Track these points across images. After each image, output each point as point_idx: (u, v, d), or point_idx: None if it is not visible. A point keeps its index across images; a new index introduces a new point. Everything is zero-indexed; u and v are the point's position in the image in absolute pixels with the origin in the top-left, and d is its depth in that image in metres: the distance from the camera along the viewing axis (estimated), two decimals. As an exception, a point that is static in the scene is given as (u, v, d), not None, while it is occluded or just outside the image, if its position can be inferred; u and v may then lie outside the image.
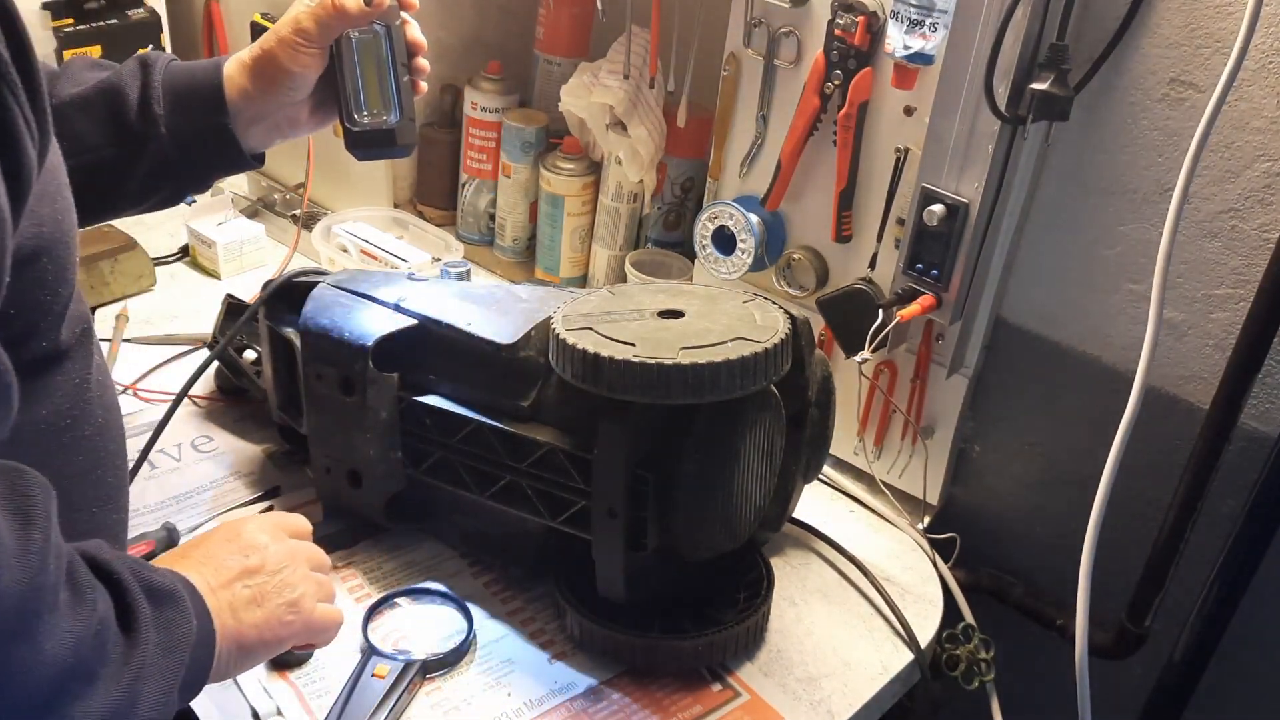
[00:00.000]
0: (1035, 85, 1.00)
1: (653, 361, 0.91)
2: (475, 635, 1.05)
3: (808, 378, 1.08)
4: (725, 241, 1.28)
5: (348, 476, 1.11)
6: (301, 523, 0.90)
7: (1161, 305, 1.00)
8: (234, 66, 0.98)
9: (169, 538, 1.10)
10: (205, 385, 1.34)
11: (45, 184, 0.68)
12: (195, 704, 0.95)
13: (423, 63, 1.05)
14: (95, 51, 1.60)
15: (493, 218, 1.64)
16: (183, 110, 0.95)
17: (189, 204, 1.76)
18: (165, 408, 1.16)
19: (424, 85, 1.06)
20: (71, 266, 0.73)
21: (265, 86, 0.97)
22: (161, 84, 0.95)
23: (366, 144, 1.03)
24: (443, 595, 1.08)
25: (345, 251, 1.55)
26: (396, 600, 1.08)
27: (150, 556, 1.06)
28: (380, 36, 1.00)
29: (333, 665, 1.00)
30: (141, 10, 1.64)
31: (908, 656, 1.09)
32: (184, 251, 1.64)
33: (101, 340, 1.12)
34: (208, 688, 0.97)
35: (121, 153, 0.94)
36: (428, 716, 0.97)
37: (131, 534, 1.08)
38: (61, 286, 0.72)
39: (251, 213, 1.72)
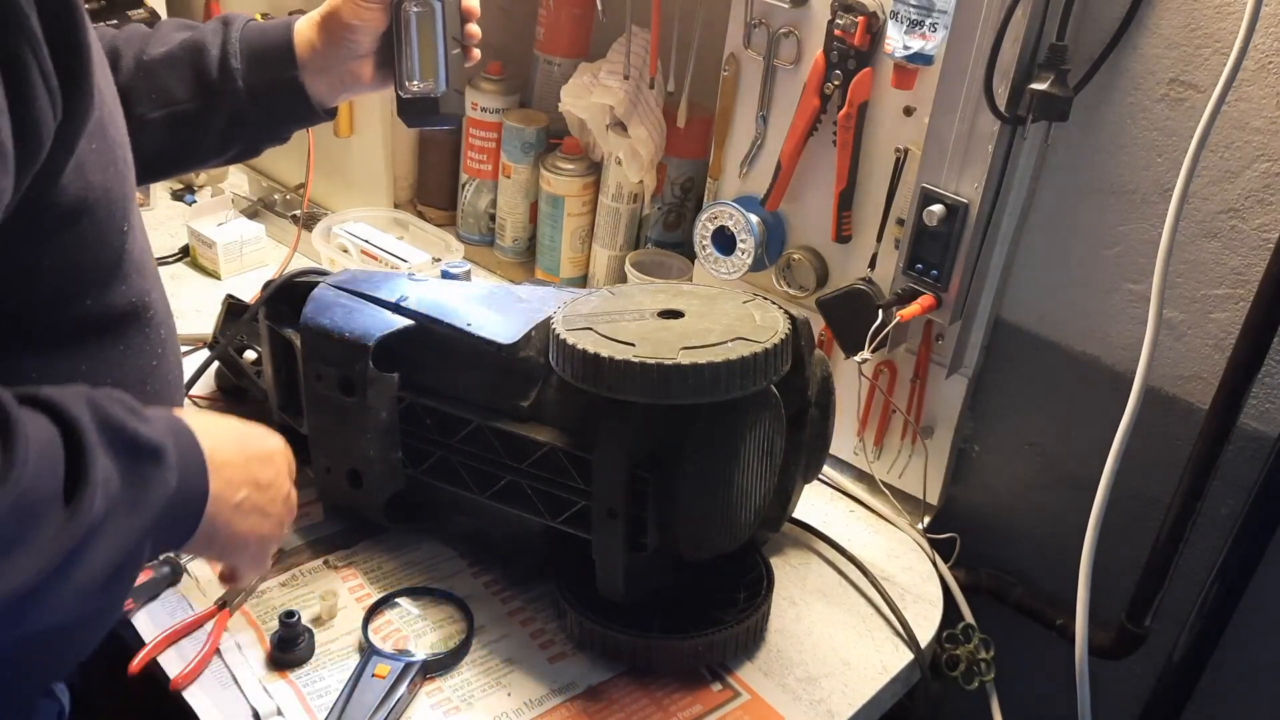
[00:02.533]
0: (1035, 85, 1.00)
1: (653, 361, 0.91)
2: (475, 635, 1.05)
3: (808, 378, 1.08)
4: (725, 242, 1.28)
5: (348, 476, 1.11)
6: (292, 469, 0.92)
7: (1161, 305, 1.00)
8: (304, 23, 1.04)
9: (169, 538, 1.10)
10: (206, 385, 1.34)
11: (102, 151, 0.71)
12: (194, 702, 0.96)
13: (474, 29, 1.09)
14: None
15: (493, 218, 1.64)
16: (257, 64, 1.01)
17: (189, 204, 1.76)
18: (165, 408, 1.16)
19: (477, 53, 1.10)
20: (115, 235, 0.75)
21: (330, 40, 1.02)
22: (239, 40, 1.02)
23: (412, 111, 1.07)
24: (443, 595, 1.09)
25: (345, 252, 1.55)
26: (397, 600, 1.08)
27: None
28: (434, 8, 1.03)
29: (333, 665, 1.00)
30: (141, 10, 1.64)
31: (908, 656, 1.09)
32: (184, 252, 1.64)
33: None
34: (207, 687, 0.98)
35: (203, 105, 1.00)
36: (428, 716, 0.97)
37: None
38: (102, 252, 0.75)
39: (252, 213, 1.72)
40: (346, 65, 1.04)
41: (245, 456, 0.81)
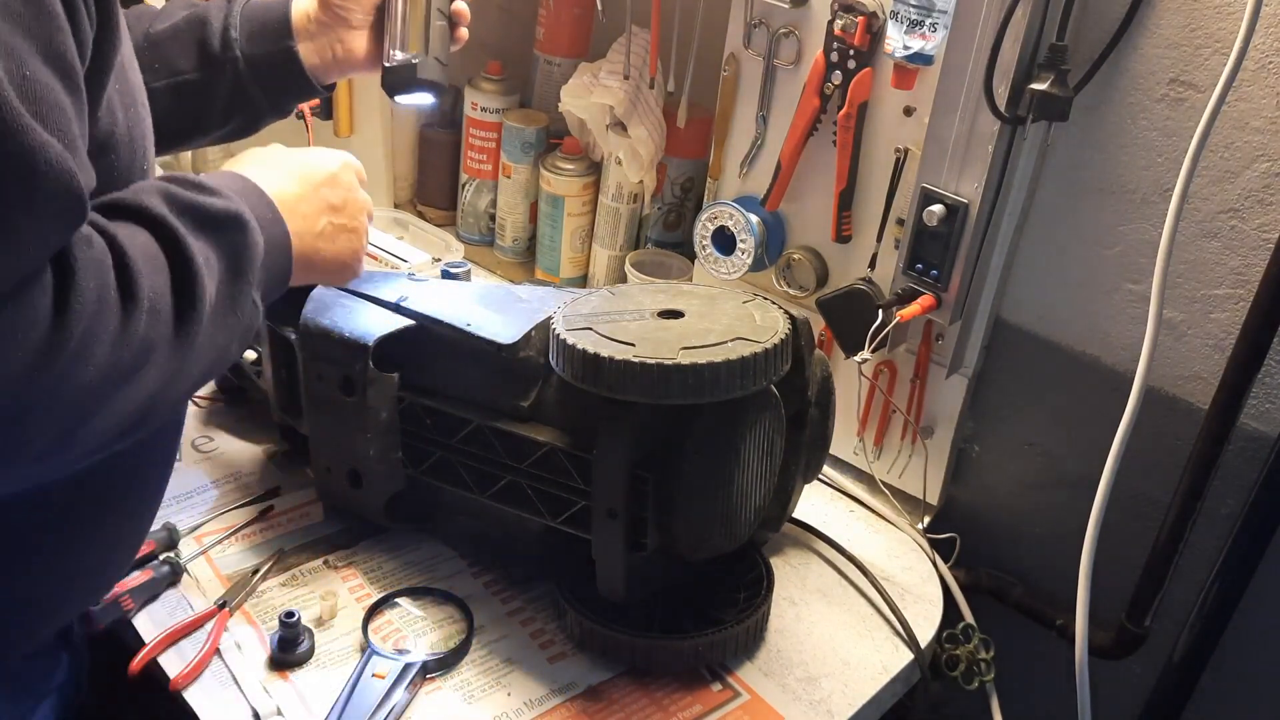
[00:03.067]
0: (1035, 85, 1.00)
1: (653, 361, 0.91)
2: (475, 635, 1.05)
3: (807, 378, 1.08)
4: (725, 242, 1.28)
5: (348, 476, 1.11)
6: (364, 178, 0.96)
7: (1161, 305, 1.00)
8: None
9: (169, 538, 1.10)
10: (206, 385, 1.34)
11: (124, 93, 0.74)
12: (194, 702, 0.96)
13: (461, 7, 1.11)
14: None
15: (493, 218, 1.64)
16: (256, 35, 1.04)
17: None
18: (165, 408, 1.16)
19: (464, 32, 1.13)
20: (138, 174, 0.78)
21: (325, 11, 1.05)
22: (240, 12, 1.05)
23: (394, 80, 1.09)
24: (443, 595, 1.09)
25: (345, 252, 1.54)
26: (397, 600, 1.08)
27: (150, 557, 1.07)
28: None
29: (333, 665, 1.00)
30: (142, 10, 1.64)
31: (908, 656, 1.09)
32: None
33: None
34: (207, 687, 0.98)
35: (205, 76, 1.03)
36: (428, 716, 0.97)
37: (132, 534, 1.08)
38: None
39: (252, 213, 1.72)
40: (340, 36, 1.06)
41: (312, 185, 0.86)
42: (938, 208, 1.08)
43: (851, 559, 1.19)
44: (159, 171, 0.85)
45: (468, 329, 1.05)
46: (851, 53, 1.12)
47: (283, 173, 0.85)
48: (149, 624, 1.02)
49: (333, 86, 1.11)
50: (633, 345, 0.94)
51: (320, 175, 0.88)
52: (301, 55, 1.05)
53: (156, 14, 1.05)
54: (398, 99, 1.12)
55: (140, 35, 1.02)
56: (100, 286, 0.63)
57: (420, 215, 1.70)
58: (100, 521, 0.85)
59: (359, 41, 1.07)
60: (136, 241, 0.68)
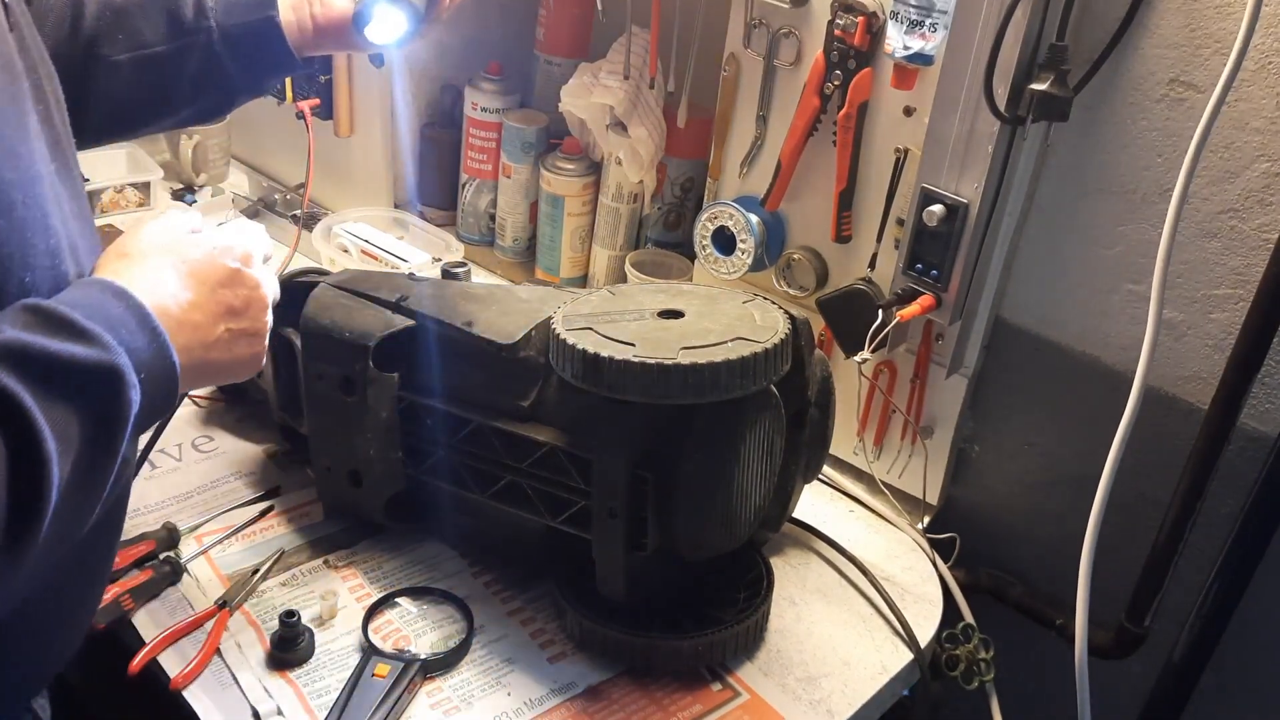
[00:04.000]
0: (1035, 86, 1.00)
1: (653, 361, 0.91)
2: (475, 635, 1.05)
3: (807, 378, 1.08)
4: (725, 241, 1.28)
5: (348, 476, 1.11)
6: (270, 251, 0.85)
7: (1161, 305, 1.00)
8: None
9: (169, 537, 1.10)
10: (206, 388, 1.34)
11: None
12: (195, 703, 0.96)
13: None
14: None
15: (493, 218, 1.64)
16: (235, 6, 0.99)
17: (189, 204, 1.76)
18: (166, 408, 1.16)
19: None
20: (14, 288, 0.66)
21: None
22: None
23: (361, 21, 1.03)
24: (443, 595, 1.09)
25: (346, 252, 1.55)
26: (397, 600, 1.08)
27: (150, 557, 1.07)
28: None
29: (333, 665, 1.00)
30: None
31: (907, 656, 1.09)
32: (184, 251, 1.64)
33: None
34: (207, 687, 0.98)
35: (173, 47, 0.97)
36: (428, 716, 0.97)
37: (132, 534, 1.08)
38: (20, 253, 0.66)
39: (252, 213, 1.72)
40: (326, 12, 1.02)
41: (209, 288, 0.74)
42: (938, 208, 1.08)
43: (851, 559, 1.19)
44: (77, 265, 0.72)
45: (468, 329, 1.05)
46: (851, 53, 1.12)
47: (177, 275, 0.73)
48: (149, 623, 1.02)
49: (311, 62, 1.05)
50: (633, 345, 0.94)
51: (220, 274, 0.76)
52: (282, 24, 0.99)
53: None
54: (368, 32, 1.05)
55: (97, 4, 0.96)
56: None
57: (420, 215, 1.70)
58: (46, 603, 0.78)
59: (336, 8, 1.02)
60: None
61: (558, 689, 1.01)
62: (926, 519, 1.28)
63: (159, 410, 0.71)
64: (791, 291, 1.28)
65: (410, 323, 1.08)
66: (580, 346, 0.94)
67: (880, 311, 1.12)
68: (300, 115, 1.61)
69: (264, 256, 0.82)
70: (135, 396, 0.65)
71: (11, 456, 0.58)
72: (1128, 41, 1.03)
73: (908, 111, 1.13)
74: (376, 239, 1.55)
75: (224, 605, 1.04)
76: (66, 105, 0.78)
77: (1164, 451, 1.11)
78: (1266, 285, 0.98)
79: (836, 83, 1.14)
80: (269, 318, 0.81)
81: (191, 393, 1.30)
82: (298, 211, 1.67)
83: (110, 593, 1.01)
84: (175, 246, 0.75)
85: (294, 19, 1.01)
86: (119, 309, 0.67)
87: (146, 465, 1.20)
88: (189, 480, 1.21)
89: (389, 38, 1.07)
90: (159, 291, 0.71)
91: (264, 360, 0.81)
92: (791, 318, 1.01)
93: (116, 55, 0.95)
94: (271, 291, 0.82)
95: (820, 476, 1.24)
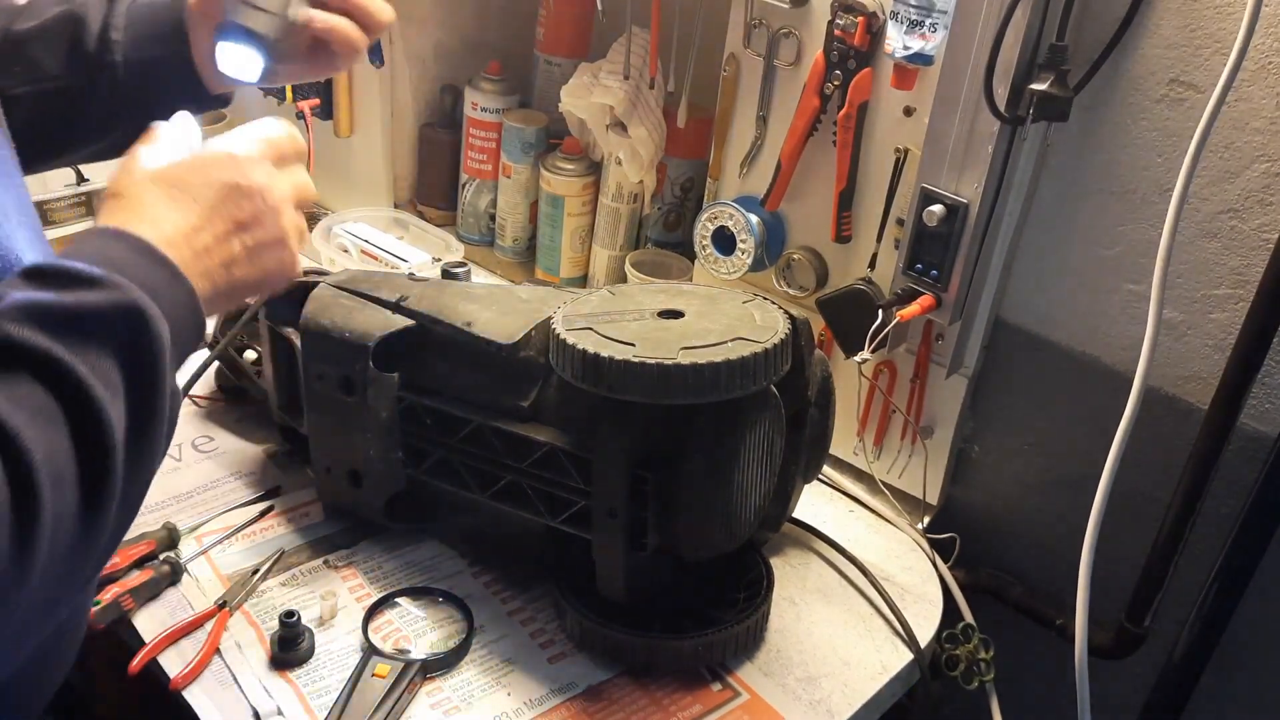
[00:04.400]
0: (1035, 86, 1.00)
1: (653, 361, 0.91)
2: (475, 635, 1.05)
3: (807, 378, 1.08)
4: (725, 242, 1.28)
5: (348, 476, 1.11)
6: (297, 145, 0.80)
7: (1161, 305, 1.00)
8: None
9: (169, 537, 1.10)
10: (206, 385, 1.34)
11: None
12: (195, 703, 0.96)
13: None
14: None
15: (493, 218, 1.64)
16: (142, 37, 0.92)
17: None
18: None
19: (321, 21, 0.91)
20: None
21: (216, 11, 0.90)
22: (125, 12, 0.93)
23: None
24: (443, 595, 1.09)
25: (346, 252, 1.55)
26: (397, 600, 1.08)
27: (150, 557, 1.07)
28: None
29: (333, 665, 1.00)
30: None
31: (907, 656, 1.09)
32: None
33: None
34: (207, 687, 0.98)
35: (78, 81, 0.91)
36: (428, 716, 0.97)
37: (132, 534, 1.08)
38: None
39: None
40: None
41: (210, 206, 0.71)
42: (937, 208, 1.08)
43: (851, 559, 1.19)
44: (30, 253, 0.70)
45: (468, 329, 1.05)
46: (851, 53, 1.12)
47: (172, 202, 0.70)
48: (149, 623, 1.02)
49: (227, 100, 0.98)
50: (633, 345, 0.94)
51: (219, 189, 0.72)
52: (194, 59, 0.92)
53: (20, 10, 0.93)
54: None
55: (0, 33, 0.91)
56: None
57: (420, 215, 1.70)
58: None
59: None
60: (18, 396, 0.56)
61: (558, 689, 1.01)
62: (926, 519, 1.28)
63: (192, 339, 0.69)
64: (791, 291, 1.28)
65: (410, 323, 1.08)
66: (580, 346, 0.94)
67: (880, 311, 1.12)
68: (300, 115, 1.61)
69: (275, 155, 0.77)
70: (163, 329, 0.63)
71: (67, 410, 0.57)
72: (1127, 42, 1.03)
73: (908, 111, 1.13)
74: (376, 239, 1.55)
75: (224, 605, 1.04)
76: None
77: (1164, 451, 1.11)
78: (1266, 285, 0.98)
79: (836, 83, 1.14)
80: (288, 218, 0.76)
81: (191, 392, 1.30)
82: (298, 211, 1.67)
83: (110, 593, 1.01)
84: (165, 175, 0.72)
85: (202, 50, 0.94)
86: (120, 250, 0.65)
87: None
88: (189, 480, 1.21)
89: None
90: (159, 224, 0.68)
91: (297, 268, 0.78)
92: (791, 318, 1.01)
93: (15, 89, 0.89)
94: (283, 190, 0.77)
95: (820, 476, 1.24)
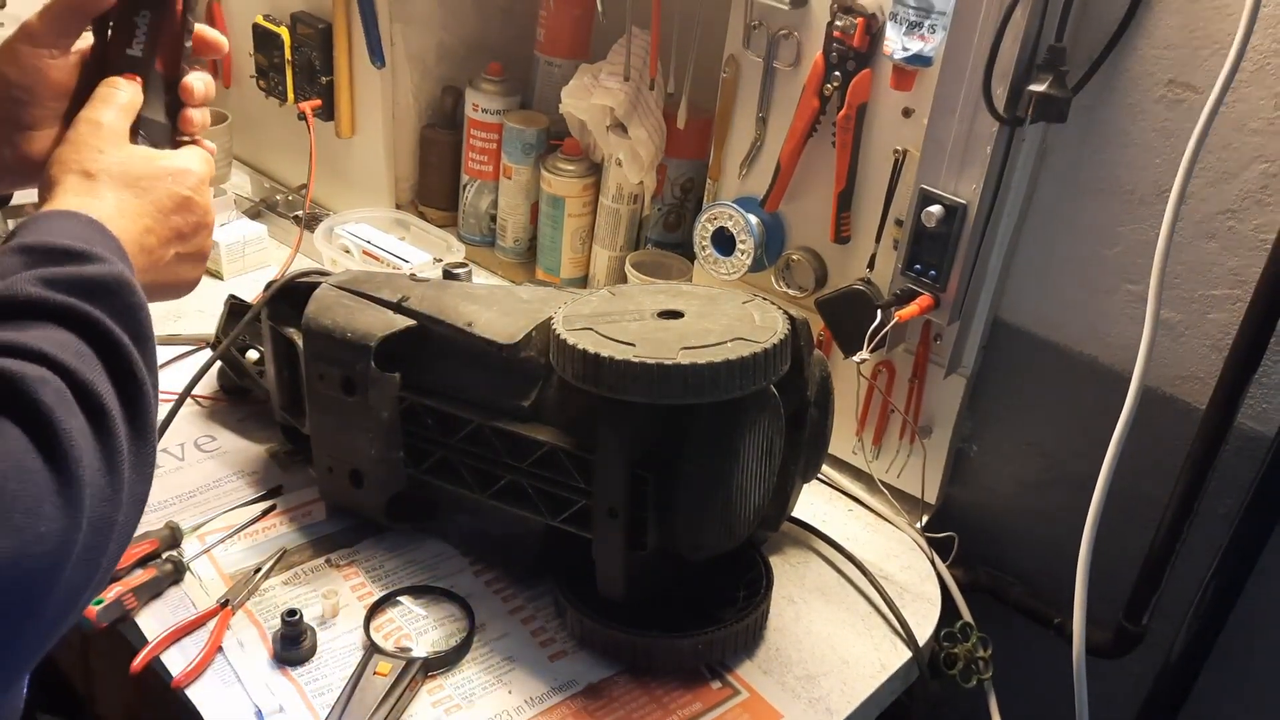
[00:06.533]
0: (1033, 87, 1.00)
1: (653, 361, 0.92)
2: (476, 633, 1.05)
3: (807, 378, 1.09)
4: (725, 242, 1.28)
5: (349, 476, 1.12)
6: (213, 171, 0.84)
7: (1159, 305, 1.00)
8: None
9: (172, 536, 1.10)
10: (208, 385, 1.34)
11: None
12: (197, 700, 0.96)
13: (193, 114, 0.83)
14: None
15: (494, 219, 1.65)
16: None
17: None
18: (168, 407, 1.16)
19: (200, 91, 0.83)
20: None
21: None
22: None
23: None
24: (444, 594, 1.09)
25: (347, 252, 1.55)
26: (398, 599, 1.08)
27: (152, 556, 1.08)
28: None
29: (335, 663, 1.01)
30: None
31: (906, 655, 1.09)
32: (186, 252, 1.64)
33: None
34: (210, 685, 0.98)
35: None
36: (429, 714, 0.97)
37: (136, 532, 1.08)
38: None
39: (254, 214, 1.73)
40: (8, 138, 0.77)
41: (164, 214, 0.75)
42: (936, 208, 1.08)
43: (850, 558, 1.19)
44: None
45: (469, 329, 1.05)
46: (851, 54, 1.13)
47: (133, 199, 0.73)
48: (152, 622, 1.03)
49: (6, 200, 0.90)
50: (633, 345, 0.94)
51: (176, 199, 0.76)
52: None
53: None
54: None
55: None
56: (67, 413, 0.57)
57: (421, 216, 1.70)
58: None
59: (38, 143, 0.77)
60: (59, 340, 0.59)
61: (558, 687, 1.01)
62: (925, 518, 1.29)
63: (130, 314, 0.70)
64: (791, 292, 1.29)
65: (411, 323, 1.08)
66: (581, 347, 0.94)
67: (879, 312, 1.12)
68: (302, 116, 1.61)
69: (211, 178, 0.83)
70: (145, 299, 0.68)
71: (99, 353, 0.61)
72: (1126, 42, 1.03)
73: (906, 113, 1.14)
74: (378, 240, 1.56)
75: (226, 604, 1.04)
76: None
77: (1162, 451, 1.11)
78: (1264, 285, 0.99)
79: (836, 84, 1.15)
80: (210, 241, 0.82)
81: (194, 392, 1.30)
82: (300, 212, 1.67)
83: (113, 591, 1.01)
84: (135, 172, 0.75)
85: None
86: (91, 232, 0.69)
87: (149, 465, 1.20)
88: (191, 479, 1.21)
89: None
90: (122, 216, 0.72)
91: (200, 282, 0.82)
92: (791, 318, 1.02)
93: None
94: (213, 214, 0.83)
95: (819, 476, 1.24)
